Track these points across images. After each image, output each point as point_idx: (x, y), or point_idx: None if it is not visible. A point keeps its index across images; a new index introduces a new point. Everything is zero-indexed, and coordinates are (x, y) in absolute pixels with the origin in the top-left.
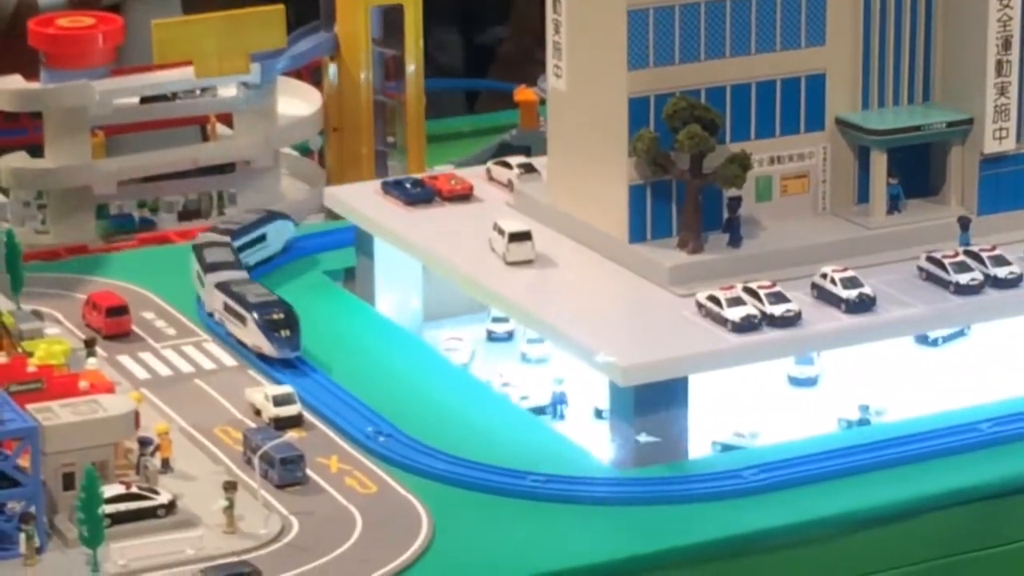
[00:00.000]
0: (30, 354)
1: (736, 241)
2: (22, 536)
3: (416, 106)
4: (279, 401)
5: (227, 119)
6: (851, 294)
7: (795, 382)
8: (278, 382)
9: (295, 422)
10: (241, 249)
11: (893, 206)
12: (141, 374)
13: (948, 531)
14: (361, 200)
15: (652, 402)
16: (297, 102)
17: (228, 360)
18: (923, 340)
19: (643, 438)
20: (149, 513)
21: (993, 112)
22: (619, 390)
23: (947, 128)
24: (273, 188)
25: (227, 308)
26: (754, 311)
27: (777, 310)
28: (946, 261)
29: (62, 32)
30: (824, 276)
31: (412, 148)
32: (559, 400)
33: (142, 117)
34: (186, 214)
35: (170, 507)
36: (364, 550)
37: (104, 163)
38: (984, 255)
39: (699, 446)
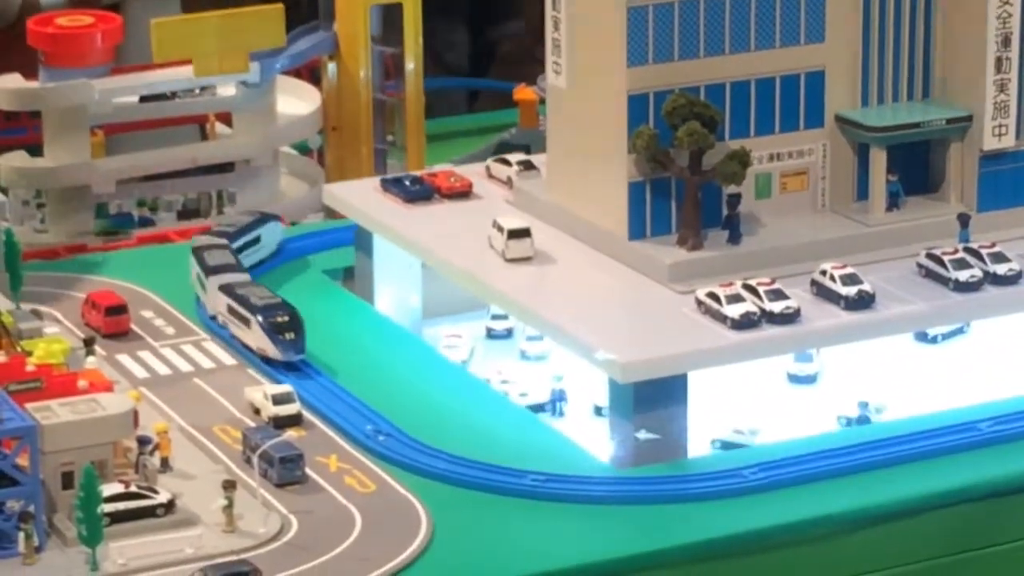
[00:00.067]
0: (29, 353)
1: (735, 238)
2: (21, 535)
3: (416, 105)
4: (278, 400)
5: (226, 118)
6: (850, 291)
7: (794, 379)
8: (277, 381)
9: (294, 421)
10: (238, 251)
11: (892, 203)
12: (140, 373)
13: (948, 530)
14: (360, 197)
15: (651, 399)
16: (296, 101)
17: (227, 359)
18: (922, 337)
19: (642, 435)
20: (148, 512)
21: (992, 109)
22: (618, 387)
23: (947, 125)
24: (272, 187)
25: (231, 311)
26: (753, 308)
27: (776, 307)
28: (945, 258)
29: (61, 31)
30: (823, 273)
31: (411, 147)
32: (558, 397)
33: (141, 116)
34: (185, 213)
35: (169, 506)
36: (363, 549)
37: (103, 162)
38: (984, 252)
39: (698, 443)
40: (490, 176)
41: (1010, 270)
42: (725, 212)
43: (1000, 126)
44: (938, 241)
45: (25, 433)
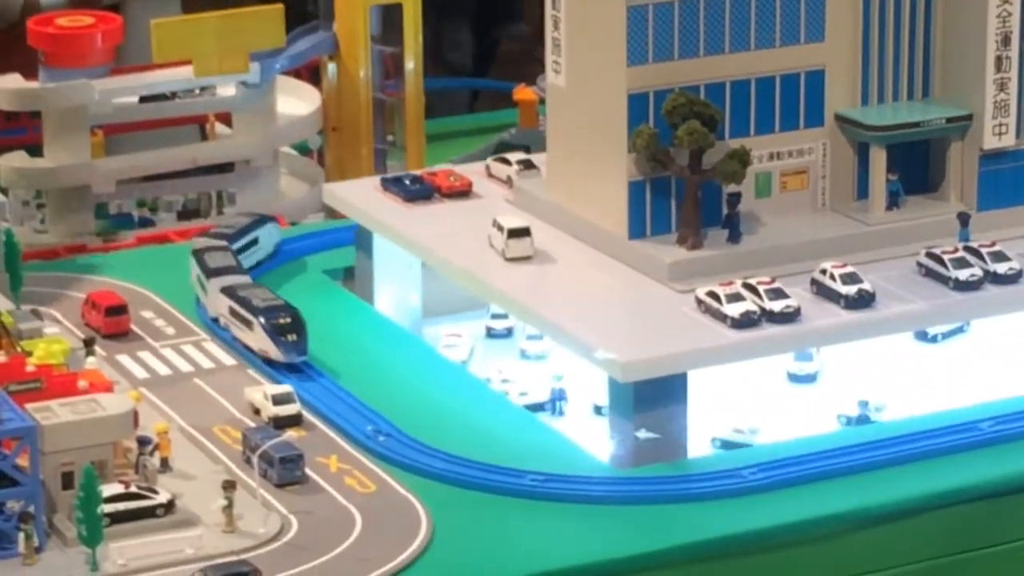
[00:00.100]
0: (29, 353)
1: (735, 237)
2: (21, 535)
3: (415, 104)
4: (278, 400)
5: (226, 118)
6: (850, 290)
7: (794, 378)
8: (277, 381)
9: (294, 421)
10: (238, 253)
11: (892, 202)
12: (140, 373)
13: (949, 530)
14: (360, 196)
15: (651, 398)
16: (296, 101)
17: (227, 359)
18: (922, 336)
19: (642, 434)
20: (148, 512)
21: (992, 108)
22: (618, 386)
23: (947, 124)
24: (272, 187)
25: (232, 313)
26: (753, 307)
27: (776, 306)
28: (945, 257)
29: (61, 31)
30: (823, 272)
31: (411, 147)
32: (558, 397)
33: (141, 116)
34: (185, 213)
35: (169, 506)
36: (363, 549)
37: (103, 162)
38: (984, 251)
39: (698, 442)
40: (490, 176)
41: (1010, 269)
42: (725, 211)
43: (1000, 125)
44: (938, 240)
45: (25, 433)
